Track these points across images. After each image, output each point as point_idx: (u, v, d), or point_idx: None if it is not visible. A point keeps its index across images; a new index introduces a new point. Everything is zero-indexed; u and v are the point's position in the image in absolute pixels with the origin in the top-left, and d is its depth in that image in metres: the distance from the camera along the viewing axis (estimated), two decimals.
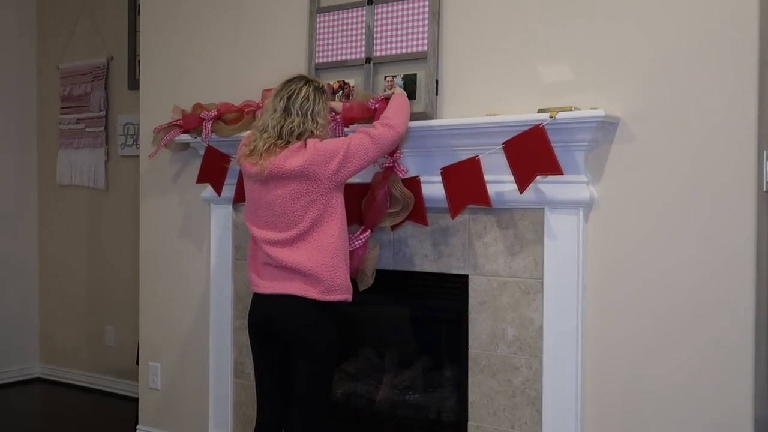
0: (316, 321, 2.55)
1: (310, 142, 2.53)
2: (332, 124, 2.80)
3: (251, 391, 3.40)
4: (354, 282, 2.73)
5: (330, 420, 3.28)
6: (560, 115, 2.48)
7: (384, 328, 3.36)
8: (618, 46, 2.54)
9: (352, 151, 2.51)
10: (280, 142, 2.54)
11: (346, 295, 2.58)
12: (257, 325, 2.65)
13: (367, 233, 2.83)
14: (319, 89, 2.63)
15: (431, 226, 2.86)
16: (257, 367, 2.72)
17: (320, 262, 2.51)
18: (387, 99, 2.77)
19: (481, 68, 2.81)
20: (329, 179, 2.51)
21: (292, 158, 2.50)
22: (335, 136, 2.86)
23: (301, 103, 2.56)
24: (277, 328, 2.58)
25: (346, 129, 2.88)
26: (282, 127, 2.54)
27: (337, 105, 2.86)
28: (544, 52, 2.68)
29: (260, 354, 2.69)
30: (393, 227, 2.88)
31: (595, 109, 2.46)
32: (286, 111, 2.56)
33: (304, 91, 2.58)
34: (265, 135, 2.57)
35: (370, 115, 2.80)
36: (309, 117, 2.56)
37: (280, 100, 2.58)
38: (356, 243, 2.80)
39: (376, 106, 2.79)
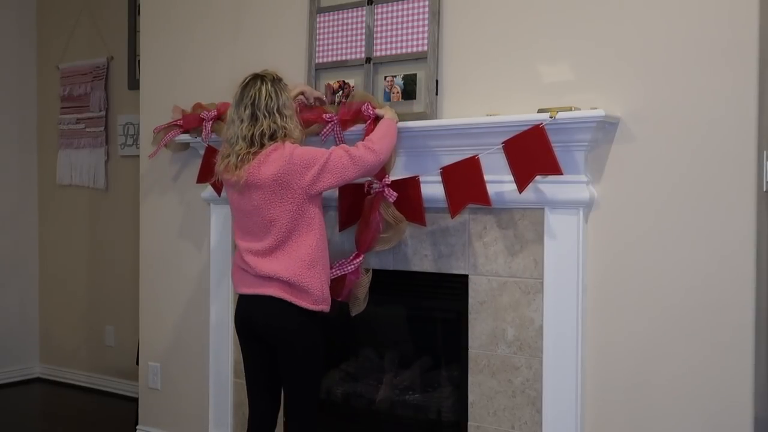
0: (296, 323, 2.55)
1: (288, 147, 2.52)
2: (298, 107, 2.77)
3: None
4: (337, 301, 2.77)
5: (330, 420, 3.29)
6: (560, 115, 2.48)
7: (384, 328, 3.36)
8: (618, 47, 2.54)
9: (330, 165, 2.51)
10: (253, 148, 2.53)
11: (322, 306, 2.58)
12: (242, 326, 2.67)
13: (360, 258, 2.82)
14: (276, 81, 2.60)
15: (431, 226, 2.86)
16: (246, 367, 2.74)
17: (297, 273, 2.52)
18: (378, 118, 2.76)
19: (481, 68, 2.81)
20: (304, 189, 2.51)
21: (267, 165, 2.50)
22: (333, 137, 2.88)
23: (266, 103, 2.54)
24: (260, 330, 2.60)
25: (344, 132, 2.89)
26: (252, 134, 2.53)
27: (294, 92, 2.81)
28: (544, 52, 2.68)
29: (248, 354, 2.71)
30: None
31: (595, 109, 2.46)
32: (254, 117, 2.54)
33: (264, 90, 2.55)
34: (237, 147, 2.55)
35: (363, 122, 2.82)
36: (277, 114, 2.54)
37: (245, 109, 2.55)
38: (349, 267, 2.80)
39: (370, 116, 2.78)
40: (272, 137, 2.54)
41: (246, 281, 2.63)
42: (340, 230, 3.02)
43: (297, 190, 2.50)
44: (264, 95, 2.55)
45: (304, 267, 2.53)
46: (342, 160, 2.52)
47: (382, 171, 2.75)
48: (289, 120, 2.57)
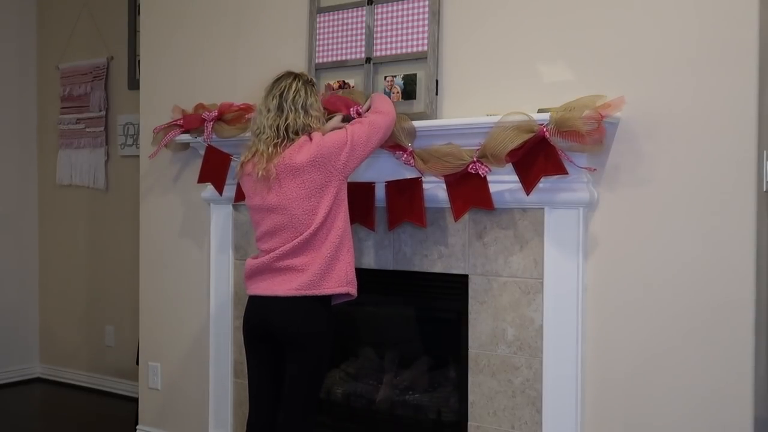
0: (315, 324, 2.54)
1: (316, 135, 2.54)
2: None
3: None
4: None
5: (330, 420, 3.29)
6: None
7: (384, 328, 3.36)
8: (618, 46, 2.54)
9: (356, 141, 2.53)
10: (280, 140, 2.53)
11: (348, 288, 2.56)
12: (254, 328, 2.64)
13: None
14: (309, 82, 2.64)
15: (431, 226, 2.86)
16: (251, 368, 2.71)
17: (324, 256, 2.51)
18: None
19: (481, 68, 2.81)
20: (340, 170, 2.52)
21: (300, 153, 2.50)
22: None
23: (294, 98, 2.56)
24: (276, 332, 2.58)
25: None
26: (278, 125, 2.54)
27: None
28: (544, 52, 2.68)
29: (255, 355, 2.68)
30: (391, 227, 2.88)
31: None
32: (280, 108, 2.56)
33: (294, 86, 2.58)
34: (264, 136, 2.56)
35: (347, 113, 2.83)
36: (303, 111, 2.56)
37: (272, 99, 2.58)
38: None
39: (355, 115, 2.78)
40: (299, 132, 2.55)
41: (263, 282, 2.59)
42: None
43: (334, 172, 2.51)
44: (293, 89, 2.57)
45: (332, 250, 2.52)
46: (362, 132, 2.55)
47: (399, 146, 2.75)
48: (314, 120, 2.59)
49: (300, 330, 2.54)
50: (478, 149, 2.59)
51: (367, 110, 2.74)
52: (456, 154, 2.64)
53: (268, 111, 2.58)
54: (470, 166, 2.60)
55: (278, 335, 2.57)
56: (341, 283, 2.54)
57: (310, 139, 2.53)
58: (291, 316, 2.53)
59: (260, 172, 2.53)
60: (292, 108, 2.56)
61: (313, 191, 2.51)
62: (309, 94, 2.60)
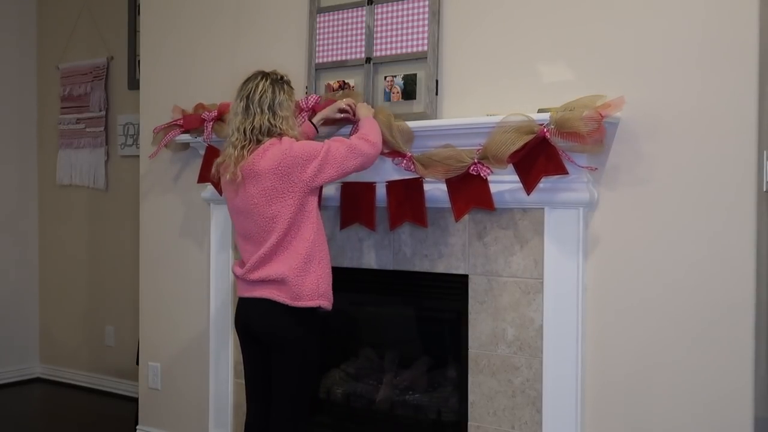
0: (287, 323, 2.53)
1: (286, 141, 2.50)
2: (300, 115, 2.78)
3: None
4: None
5: (330, 420, 3.29)
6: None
7: (384, 328, 3.36)
8: (618, 46, 2.54)
9: (330, 157, 2.49)
10: (248, 143, 2.51)
11: (320, 301, 2.53)
12: (241, 329, 2.67)
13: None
14: (278, 81, 2.57)
15: (431, 226, 2.86)
16: (245, 368, 2.73)
17: (293, 267, 2.49)
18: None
19: (481, 68, 2.81)
20: (305, 183, 2.48)
21: (265, 159, 2.48)
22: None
23: (260, 98, 2.52)
24: (256, 332, 2.60)
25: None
26: (245, 127, 2.51)
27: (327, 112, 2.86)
28: (544, 52, 2.68)
29: (247, 355, 2.70)
30: (392, 227, 2.88)
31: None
32: (247, 110, 2.53)
33: (261, 86, 2.53)
34: (233, 138, 2.54)
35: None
36: (270, 111, 2.51)
37: (240, 101, 2.55)
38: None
39: (352, 110, 2.82)
40: (269, 134, 2.51)
41: (243, 286, 2.62)
42: (341, 228, 3.02)
43: (298, 183, 2.47)
44: (259, 90, 2.53)
45: (300, 262, 2.49)
46: (340, 151, 2.50)
47: (398, 152, 2.74)
48: (283, 121, 2.53)
49: (278, 333, 2.55)
50: (479, 150, 2.59)
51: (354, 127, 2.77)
52: (457, 157, 2.62)
53: (236, 114, 2.55)
54: (471, 168, 2.60)
55: (260, 337, 2.60)
56: (313, 296, 2.51)
57: (280, 142, 2.49)
58: (268, 320, 2.55)
59: (228, 176, 2.53)
60: (258, 109, 2.51)
61: (272, 198, 2.48)
62: (277, 93, 2.54)
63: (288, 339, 2.54)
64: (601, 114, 2.42)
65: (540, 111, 2.54)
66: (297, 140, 2.55)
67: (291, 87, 2.62)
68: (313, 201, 2.54)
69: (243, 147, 2.51)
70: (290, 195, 2.47)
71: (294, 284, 2.49)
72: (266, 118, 2.51)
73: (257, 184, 2.49)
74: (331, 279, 2.59)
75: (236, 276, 2.66)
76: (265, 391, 2.67)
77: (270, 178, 2.47)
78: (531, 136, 2.48)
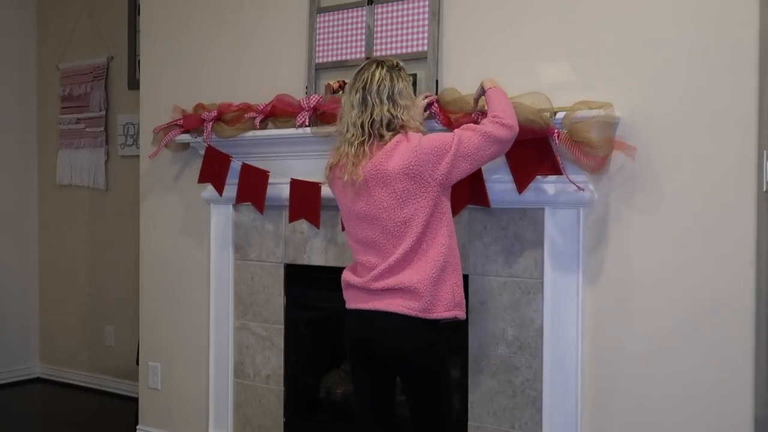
0: (424, 341, 2.28)
1: (413, 137, 2.27)
2: (426, 102, 2.57)
3: (251, 391, 3.41)
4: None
5: (330, 420, 3.29)
6: (560, 116, 2.48)
7: None
8: (618, 46, 2.54)
9: (463, 149, 2.24)
10: (367, 139, 2.29)
11: (455, 312, 2.28)
12: (358, 346, 2.36)
13: None
14: (394, 68, 2.35)
15: None
16: (359, 389, 2.44)
17: (426, 275, 2.24)
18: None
19: (481, 68, 2.81)
20: (438, 181, 2.24)
21: (393, 158, 2.25)
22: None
23: (378, 88, 2.29)
24: (381, 350, 2.31)
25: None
26: (363, 121, 2.28)
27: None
28: (544, 51, 2.68)
29: (361, 376, 2.41)
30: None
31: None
32: (364, 102, 2.29)
33: (378, 74, 2.31)
34: (349, 135, 2.31)
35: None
36: (390, 101, 2.29)
37: (355, 93, 2.32)
38: None
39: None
40: (389, 127, 2.29)
41: (362, 296, 2.34)
42: (343, 229, 3.02)
43: (431, 183, 2.24)
44: (377, 79, 2.30)
45: (435, 270, 2.24)
46: (473, 141, 2.25)
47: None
48: (404, 110, 2.31)
49: (410, 351, 2.28)
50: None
51: (479, 98, 2.51)
52: (465, 99, 2.56)
53: (352, 107, 2.32)
54: (474, 114, 2.53)
55: (385, 355, 2.31)
56: (448, 306, 2.27)
57: (408, 140, 2.26)
58: (398, 335, 2.27)
59: (346, 177, 2.30)
60: (377, 100, 2.28)
61: (404, 201, 2.24)
62: (396, 80, 2.31)
63: (423, 357, 2.28)
64: (614, 146, 2.41)
65: (540, 111, 2.53)
66: (423, 133, 2.35)
67: (407, 74, 2.41)
68: (447, 202, 2.31)
69: (362, 143, 2.29)
70: (423, 196, 2.24)
71: (428, 294, 2.23)
72: (386, 108, 2.28)
73: (386, 187, 2.26)
74: (462, 286, 2.34)
75: (351, 285, 2.38)
76: (385, 417, 2.42)
77: (400, 180, 2.23)
78: (540, 123, 2.44)
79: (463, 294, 2.33)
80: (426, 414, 2.32)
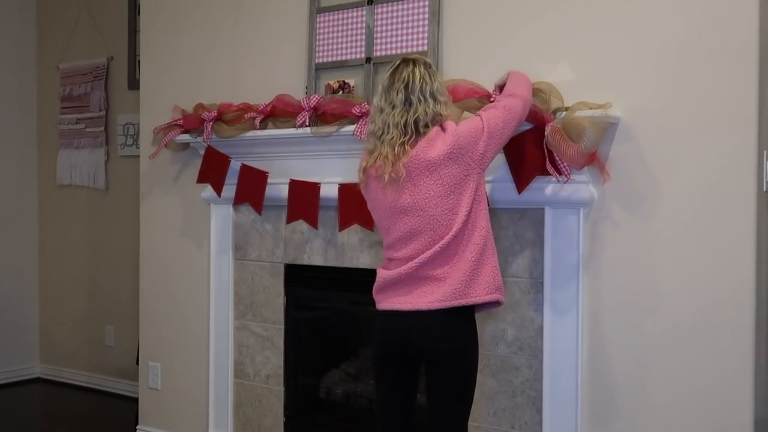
0: (464, 333, 2.30)
1: (449, 124, 2.29)
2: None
3: (251, 391, 3.41)
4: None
5: (330, 420, 3.29)
6: (560, 115, 2.48)
7: None
8: (618, 46, 2.54)
9: (491, 128, 2.28)
10: (409, 138, 2.28)
11: (497, 295, 2.30)
12: (390, 346, 2.35)
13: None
14: (429, 65, 2.36)
15: None
16: (383, 390, 2.42)
17: (470, 260, 2.25)
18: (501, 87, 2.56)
19: (481, 68, 2.81)
20: (478, 161, 2.27)
21: (434, 146, 2.25)
22: None
23: (421, 87, 2.29)
24: (417, 351, 2.31)
25: None
26: (406, 120, 2.28)
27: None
28: (545, 51, 2.68)
29: (388, 377, 2.40)
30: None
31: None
32: (408, 102, 2.29)
33: (418, 73, 2.31)
34: (388, 136, 2.29)
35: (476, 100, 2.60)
36: (432, 99, 2.30)
37: (397, 93, 2.30)
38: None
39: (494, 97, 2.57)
40: (428, 125, 2.29)
41: (400, 296, 2.31)
42: (340, 230, 3.02)
43: (473, 165, 2.26)
44: (418, 78, 2.30)
45: (477, 254, 2.26)
46: (498, 118, 2.30)
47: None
48: (444, 106, 2.33)
49: (446, 347, 2.27)
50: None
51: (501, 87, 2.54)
52: (475, 89, 2.59)
53: (393, 107, 2.30)
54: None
55: (420, 354, 2.31)
56: (490, 289, 2.28)
57: (443, 130, 2.28)
58: (436, 333, 2.27)
59: (387, 177, 2.27)
60: (422, 98, 2.29)
61: (452, 188, 2.25)
62: (434, 78, 2.33)
63: (463, 350, 2.29)
64: (593, 160, 2.46)
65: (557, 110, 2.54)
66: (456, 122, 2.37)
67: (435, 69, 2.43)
68: (483, 185, 2.33)
69: (404, 143, 2.27)
70: (468, 180, 2.26)
71: (469, 279, 2.25)
72: (431, 106, 2.29)
73: (431, 174, 2.25)
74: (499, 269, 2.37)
75: (388, 280, 2.34)
76: (409, 421, 2.42)
77: (446, 165, 2.24)
78: (542, 107, 2.47)
79: (501, 278, 2.34)
80: (449, 412, 2.32)
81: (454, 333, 2.28)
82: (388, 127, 2.30)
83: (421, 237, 2.28)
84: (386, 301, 2.35)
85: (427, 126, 2.29)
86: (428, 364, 2.32)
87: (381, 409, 2.44)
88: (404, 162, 2.26)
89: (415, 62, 2.34)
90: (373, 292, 2.41)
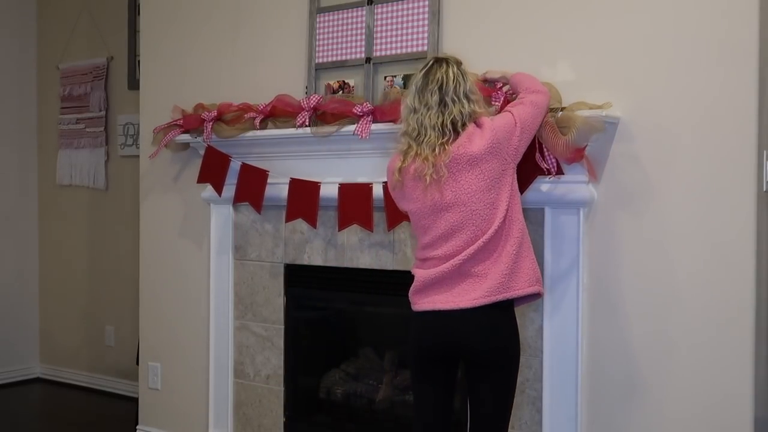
0: (507, 337, 2.28)
1: (484, 120, 2.30)
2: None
3: (251, 391, 3.41)
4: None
5: (330, 420, 3.29)
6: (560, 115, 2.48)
7: (384, 328, 3.36)
8: (618, 46, 2.54)
9: (522, 123, 2.30)
10: (447, 138, 2.26)
11: (538, 287, 2.29)
12: (433, 348, 2.32)
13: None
14: (460, 64, 2.37)
15: None
16: (423, 391, 2.38)
17: (510, 254, 2.24)
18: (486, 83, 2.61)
19: (481, 68, 2.80)
20: (512, 156, 2.28)
21: (473, 142, 2.25)
22: None
23: (455, 88, 2.29)
24: (460, 351, 2.29)
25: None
26: (443, 121, 2.27)
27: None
28: (544, 51, 2.68)
29: (430, 378, 2.36)
30: (390, 227, 2.87)
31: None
32: (443, 103, 2.28)
33: (452, 74, 2.30)
34: (425, 138, 2.27)
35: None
36: (466, 99, 2.29)
37: (431, 94, 2.29)
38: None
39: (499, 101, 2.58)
40: (465, 125, 2.28)
41: (441, 295, 2.28)
42: (339, 230, 3.02)
43: (509, 159, 2.27)
44: (452, 78, 2.30)
45: (516, 247, 2.25)
46: (527, 113, 2.33)
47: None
48: (477, 104, 2.33)
49: (492, 345, 2.25)
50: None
51: (505, 85, 2.57)
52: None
53: (428, 108, 2.28)
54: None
55: (464, 353, 2.28)
56: (531, 281, 2.27)
57: (478, 126, 2.29)
58: (481, 330, 2.24)
59: (428, 178, 2.25)
60: (456, 99, 2.28)
61: (492, 182, 2.25)
62: (466, 78, 2.33)
63: (508, 348, 2.28)
64: (582, 156, 2.46)
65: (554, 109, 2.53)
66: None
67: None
68: (516, 178, 2.33)
69: (443, 144, 2.26)
70: (505, 174, 2.27)
71: (510, 272, 2.24)
72: (465, 106, 2.28)
73: (473, 169, 2.24)
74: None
75: (428, 280, 2.30)
76: (445, 419, 2.39)
77: (487, 159, 2.24)
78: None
79: (539, 269, 2.33)
80: (495, 415, 2.30)
81: (499, 329, 2.27)
82: (425, 128, 2.28)
83: (463, 233, 2.26)
84: (425, 301, 2.31)
85: (464, 125, 2.28)
86: (472, 364, 2.30)
87: (421, 410, 2.40)
88: (445, 162, 2.25)
89: (447, 62, 2.34)
90: (411, 293, 2.36)
